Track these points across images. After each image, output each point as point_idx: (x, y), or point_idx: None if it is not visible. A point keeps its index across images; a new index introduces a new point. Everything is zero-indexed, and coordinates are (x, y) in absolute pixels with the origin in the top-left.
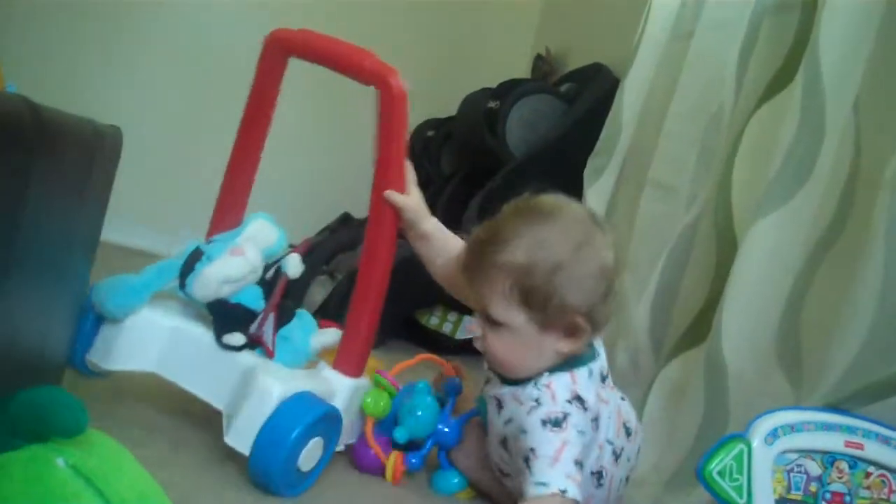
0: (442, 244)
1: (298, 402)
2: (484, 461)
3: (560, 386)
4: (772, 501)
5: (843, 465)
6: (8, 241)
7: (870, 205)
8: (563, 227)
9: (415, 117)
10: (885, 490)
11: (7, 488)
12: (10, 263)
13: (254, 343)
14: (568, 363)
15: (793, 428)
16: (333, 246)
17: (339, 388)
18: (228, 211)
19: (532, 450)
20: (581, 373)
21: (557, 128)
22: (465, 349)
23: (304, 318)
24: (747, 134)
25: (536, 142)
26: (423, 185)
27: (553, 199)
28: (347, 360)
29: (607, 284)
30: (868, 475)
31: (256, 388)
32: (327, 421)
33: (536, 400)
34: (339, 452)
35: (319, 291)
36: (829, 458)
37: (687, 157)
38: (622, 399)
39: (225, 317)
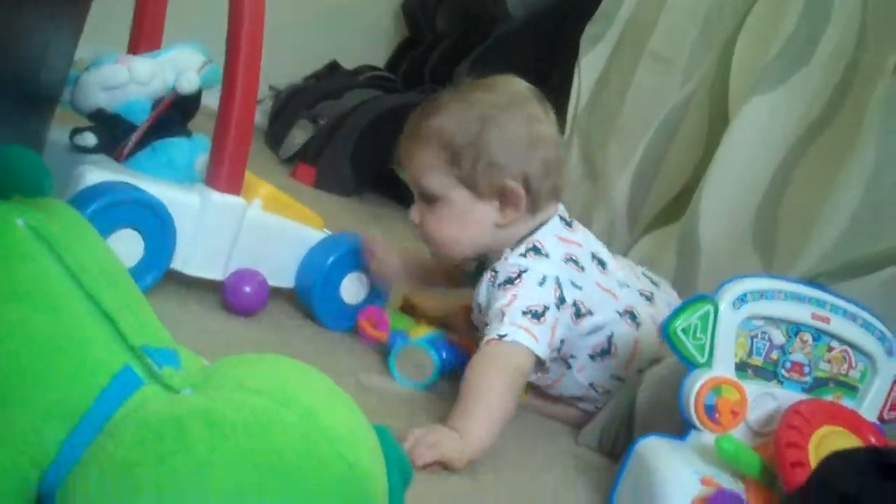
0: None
1: (101, 186)
2: None
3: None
4: (732, 364)
5: (807, 337)
6: None
7: (867, 95)
8: (495, 91)
9: None
10: (845, 366)
11: None
12: None
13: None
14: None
15: (762, 295)
16: (318, 92)
17: (203, 201)
18: (144, 32)
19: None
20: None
21: None
22: None
23: (198, 140)
24: (753, 12)
25: (536, 5)
26: (414, 42)
27: (498, 76)
28: (216, 173)
29: (545, 155)
30: (830, 349)
31: (73, 176)
32: (142, 210)
33: (494, 270)
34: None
35: (300, 135)
36: (794, 329)
37: (688, 32)
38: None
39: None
